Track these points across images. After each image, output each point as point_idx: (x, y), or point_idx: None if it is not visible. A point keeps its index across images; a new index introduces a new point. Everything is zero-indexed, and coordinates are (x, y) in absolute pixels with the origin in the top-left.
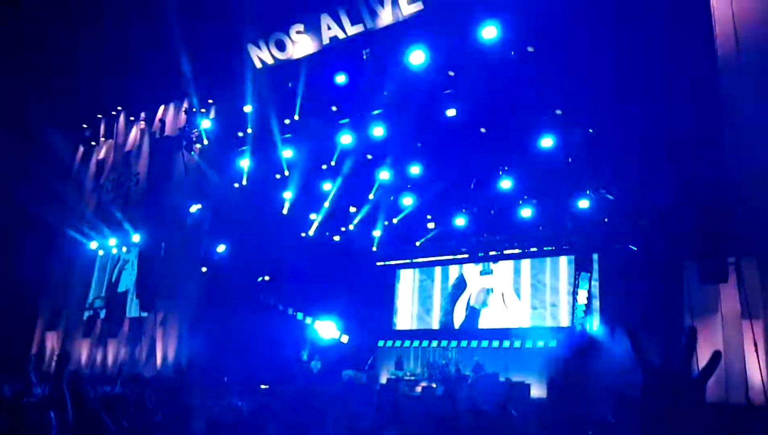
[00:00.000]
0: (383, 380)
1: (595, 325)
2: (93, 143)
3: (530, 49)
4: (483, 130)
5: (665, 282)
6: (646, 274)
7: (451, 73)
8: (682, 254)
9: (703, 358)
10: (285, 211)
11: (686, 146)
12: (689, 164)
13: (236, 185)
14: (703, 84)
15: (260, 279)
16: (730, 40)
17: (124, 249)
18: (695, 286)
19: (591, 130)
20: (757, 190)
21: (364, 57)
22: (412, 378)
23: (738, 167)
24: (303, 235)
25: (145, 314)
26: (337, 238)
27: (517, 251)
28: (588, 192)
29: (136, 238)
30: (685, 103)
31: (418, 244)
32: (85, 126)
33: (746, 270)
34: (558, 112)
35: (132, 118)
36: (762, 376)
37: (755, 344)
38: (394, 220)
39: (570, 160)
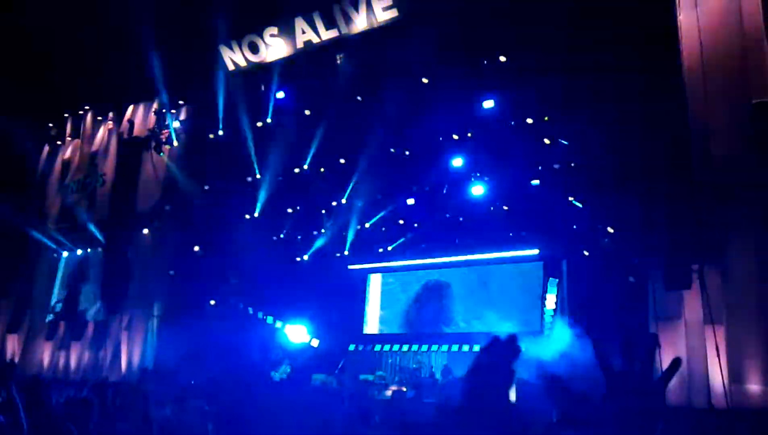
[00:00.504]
0: (354, 384)
1: (562, 330)
2: (59, 142)
3: (503, 58)
4: (456, 136)
5: (631, 288)
6: (612, 280)
7: (425, 80)
8: (647, 262)
9: (667, 362)
10: (256, 215)
11: (653, 156)
12: (656, 174)
13: (206, 187)
14: (670, 97)
15: (229, 282)
16: (696, 54)
17: (89, 251)
18: (660, 293)
19: (548, 141)
20: (720, 199)
21: (338, 62)
22: (383, 382)
23: (702, 177)
24: (274, 238)
25: (110, 317)
26: (308, 241)
27: (487, 256)
28: (558, 199)
29: (101, 240)
30: (653, 114)
31: (390, 248)
32: (50, 125)
33: (709, 277)
34: (529, 121)
35: (99, 118)
36: (723, 381)
37: (717, 349)
38: (366, 225)
39: (540, 168)
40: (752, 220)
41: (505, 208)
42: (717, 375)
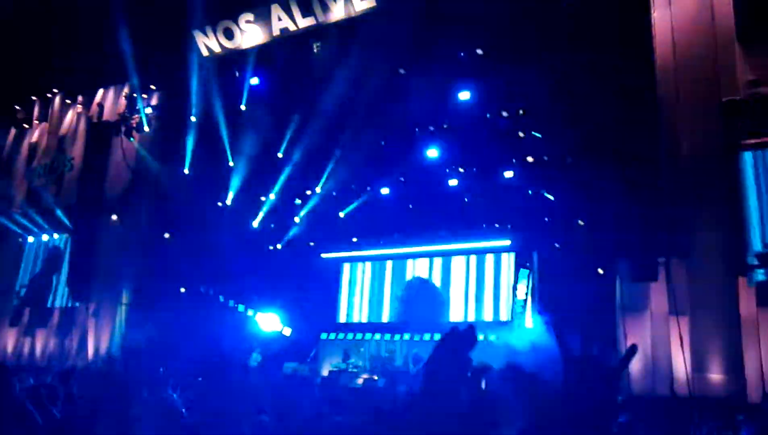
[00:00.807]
0: (325, 373)
1: (531, 319)
2: (26, 126)
3: (479, 51)
4: (431, 128)
5: (599, 280)
6: (581, 272)
7: (402, 71)
8: (615, 253)
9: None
10: (229, 202)
11: (623, 151)
12: (625, 168)
13: (177, 174)
14: (642, 93)
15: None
16: (668, 53)
17: (56, 236)
18: (627, 285)
19: (522, 135)
20: (687, 195)
21: (315, 50)
22: (355, 370)
23: (670, 172)
24: (247, 226)
25: (77, 304)
26: (281, 230)
27: (460, 247)
28: (530, 192)
29: (69, 225)
30: (624, 110)
31: (364, 237)
32: (17, 107)
33: (674, 269)
34: (504, 114)
35: (68, 101)
36: (686, 370)
37: (681, 339)
38: (341, 214)
39: (514, 161)
40: (719, 217)
41: (479, 198)
42: (680, 364)
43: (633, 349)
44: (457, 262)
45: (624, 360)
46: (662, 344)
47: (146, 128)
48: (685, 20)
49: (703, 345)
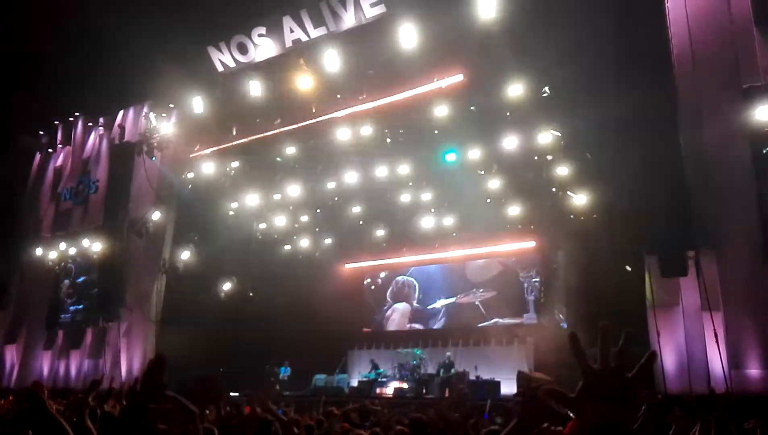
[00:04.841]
0: (355, 383)
1: (561, 321)
2: (50, 150)
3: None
4: (447, 129)
5: (628, 276)
6: (609, 269)
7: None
8: (643, 249)
9: (666, 352)
10: (250, 216)
11: (646, 145)
12: (649, 163)
13: (200, 191)
14: (661, 85)
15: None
16: (685, 41)
17: (84, 258)
18: (656, 280)
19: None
20: (713, 186)
21: (328, 60)
22: (384, 379)
23: (694, 165)
24: (274, 237)
25: (108, 324)
26: (304, 241)
27: (483, 250)
28: (554, 190)
29: (96, 247)
30: (643, 102)
31: (385, 245)
32: (41, 132)
33: (704, 264)
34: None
35: (90, 124)
36: (723, 366)
37: (716, 335)
38: (362, 223)
39: (536, 158)
40: (745, 206)
41: (503, 200)
42: (716, 361)
43: (651, 358)
44: (480, 266)
45: (640, 370)
46: (696, 341)
47: (166, 147)
48: (700, 8)
49: (738, 340)
